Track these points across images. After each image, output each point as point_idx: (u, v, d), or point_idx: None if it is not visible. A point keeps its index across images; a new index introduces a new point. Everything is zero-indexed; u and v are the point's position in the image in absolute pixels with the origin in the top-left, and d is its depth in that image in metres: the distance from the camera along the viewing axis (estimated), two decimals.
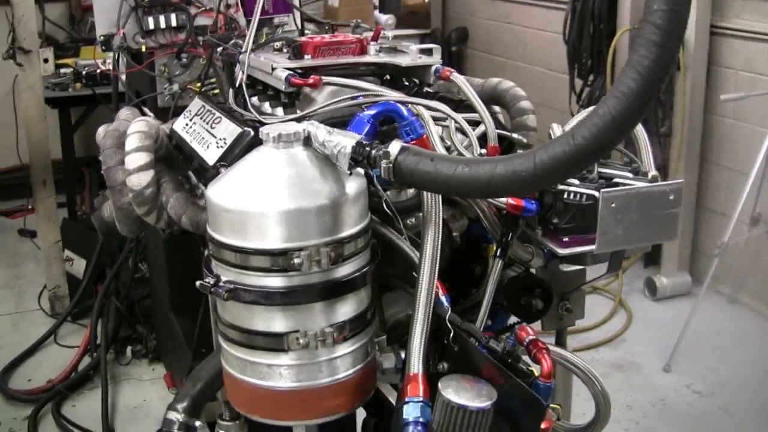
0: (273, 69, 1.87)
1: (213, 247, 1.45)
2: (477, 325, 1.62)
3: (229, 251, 1.41)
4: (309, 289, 1.40)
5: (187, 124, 2.06)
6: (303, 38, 2.00)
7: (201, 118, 2.02)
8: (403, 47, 1.98)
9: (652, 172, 1.72)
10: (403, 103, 1.75)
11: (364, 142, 1.38)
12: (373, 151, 1.36)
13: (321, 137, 1.43)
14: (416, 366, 1.42)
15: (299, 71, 1.86)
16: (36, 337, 4.10)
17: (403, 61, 1.88)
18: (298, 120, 1.70)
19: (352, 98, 1.73)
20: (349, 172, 1.41)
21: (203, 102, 2.09)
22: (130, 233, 1.99)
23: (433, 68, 1.87)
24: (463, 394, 1.25)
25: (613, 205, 1.56)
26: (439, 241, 1.47)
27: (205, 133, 1.92)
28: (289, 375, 1.44)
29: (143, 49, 2.97)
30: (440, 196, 1.48)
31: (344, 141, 1.40)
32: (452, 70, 1.83)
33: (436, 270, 1.46)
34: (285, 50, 1.99)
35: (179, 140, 2.03)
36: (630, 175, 1.71)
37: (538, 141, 1.69)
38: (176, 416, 1.76)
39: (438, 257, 1.47)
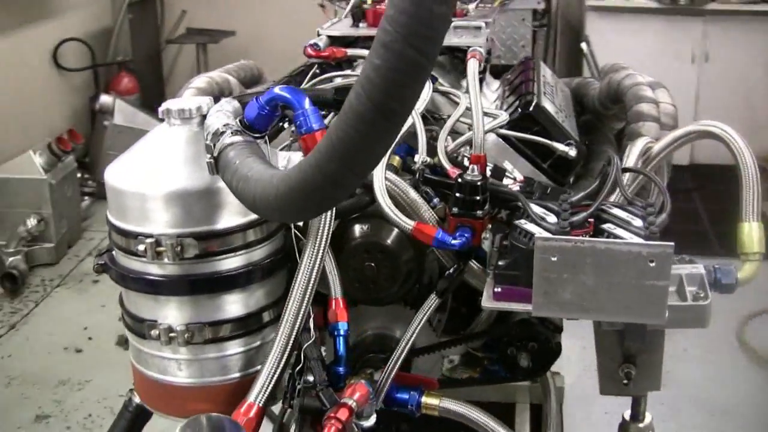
0: (318, 35, 1.72)
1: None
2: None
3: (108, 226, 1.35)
4: (160, 279, 1.28)
5: None
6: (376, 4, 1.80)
7: None
8: (475, 25, 1.68)
9: (660, 218, 1.29)
10: None
11: (221, 129, 1.20)
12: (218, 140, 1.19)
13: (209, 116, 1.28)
14: (253, 394, 1.24)
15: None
16: None
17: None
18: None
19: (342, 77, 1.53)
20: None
21: None
22: None
23: (470, 49, 1.57)
24: None
25: (554, 258, 1.19)
26: (320, 255, 1.25)
27: None
28: (152, 363, 1.36)
29: None
30: None
31: (215, 124, 1.24)
32: (477, 54, 1.52)
33: (311, 289, 1.26)
34: None
35: None
36: (637, 222, 1.27)
37: None
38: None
39: (315, 274, 1.25)
